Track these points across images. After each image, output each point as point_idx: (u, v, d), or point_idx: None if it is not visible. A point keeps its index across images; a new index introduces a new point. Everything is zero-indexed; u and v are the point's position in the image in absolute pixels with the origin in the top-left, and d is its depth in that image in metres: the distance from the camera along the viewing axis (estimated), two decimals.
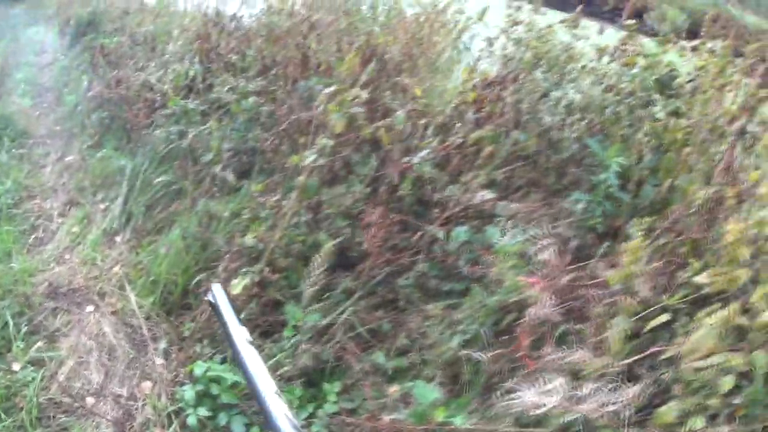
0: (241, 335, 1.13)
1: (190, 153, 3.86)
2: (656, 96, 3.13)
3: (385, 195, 2.72)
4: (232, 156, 3.72)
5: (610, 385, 1.40)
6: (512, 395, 1.86)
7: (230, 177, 3.04)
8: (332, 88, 2.44)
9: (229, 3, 7.36)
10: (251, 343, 1.13)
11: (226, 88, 3.76)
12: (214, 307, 1.19)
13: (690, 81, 3.17)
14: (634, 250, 1.31)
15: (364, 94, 2.43)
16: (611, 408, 1.59)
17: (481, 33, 5.91)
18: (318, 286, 2.63)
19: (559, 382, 1.28)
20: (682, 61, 3.48)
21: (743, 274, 1.87)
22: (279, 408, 0.98)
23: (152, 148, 4.56)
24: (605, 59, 3.60)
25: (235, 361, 0.99)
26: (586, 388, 1.32)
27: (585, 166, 3.01)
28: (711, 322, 1.32)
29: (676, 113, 3.03)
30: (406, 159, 2.73)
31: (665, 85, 3.12)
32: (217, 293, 1.19)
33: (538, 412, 1.72)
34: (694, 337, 1.35)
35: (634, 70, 3.23)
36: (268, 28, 4.41)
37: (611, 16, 24.84)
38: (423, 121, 3.15)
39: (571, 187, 2.95)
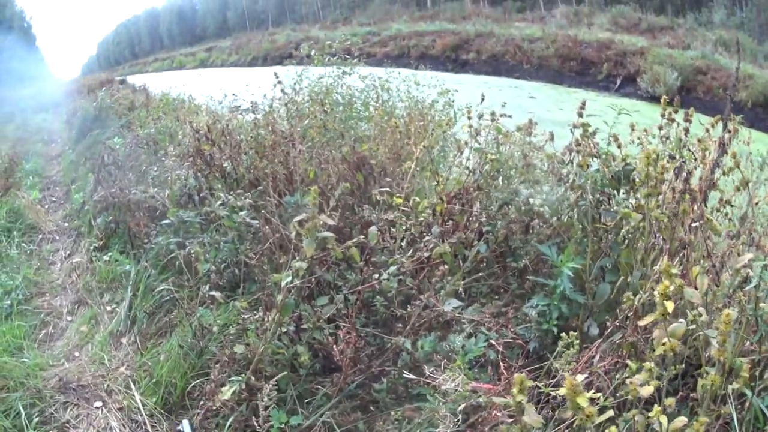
0: None
1: (188, 264, 4.18)
2: (614, 192, 3.24)
3: (357, 309, 3.05)
4: (224, 268, 4.07)
5: None
6: None
7: (218, 296, 3.37)
8: (301, 216, 2.78)
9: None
10: None
11: (218, 203, 4.10)
12: None
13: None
14: (520, 381, 1.59)
15: (331, 221, 2.77)
16: None
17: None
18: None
19: None
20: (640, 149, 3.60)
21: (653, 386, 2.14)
22: None
23: (154, 255, 4.92)
24: (566, 157, 3.68)
25: None
26: None
27: (546, 269, 3.27)
28: None
29: (629, 208, 3.11)
30: (375, 276, 3.08)
31: (621, 180, 3.21)
32: (185, 427, 1.73)
33: None
34: None
35: (590, 170, 3.29)
36: (256, 142, 4.79)
37: (606, 84, 25.20)
38: (399, 231, 3.48)
39: (535, 291, 3.16)
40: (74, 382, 4.10)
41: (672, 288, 2.13)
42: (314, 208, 2.75)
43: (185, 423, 1.59)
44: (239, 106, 6.80)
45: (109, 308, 5.14)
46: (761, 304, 2.52)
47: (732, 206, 3.50)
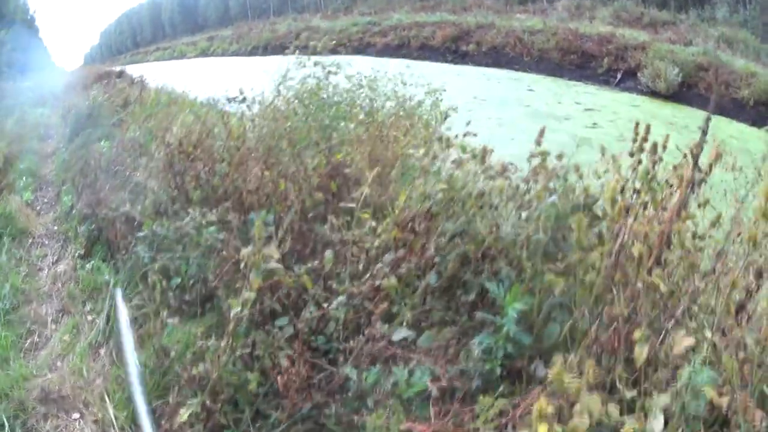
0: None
1: (159, 279, 4.24)
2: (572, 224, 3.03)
3: (305, 337, 3.12)
4: (192, 284, 4.14)
5: None
6: None
7: (174, 321, 3.44)
8: (249, 249, 2.85)
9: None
10: None
11: (186, 219, 4.16)
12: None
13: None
14: None
15: (276, 253, 2.84)
16: None
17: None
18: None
19: None
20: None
21: None
22: None
23: (131, 267, 5.00)
24: (523, 186, 3.55)
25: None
26: None
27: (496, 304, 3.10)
28: None
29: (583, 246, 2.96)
30: (325, 304, 3.15)
31: (582, 212, 3.07)
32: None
33: None
34: None
35: (548, 200, 3.16)
36: (228, 153, 4.84)
37: (606, 78, 25.12)
38: (357, 254, 3.53)
39: (485, 325, 3.05)
40: (55, 392, 4.16)
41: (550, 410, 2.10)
42: (260, 241, 2.82)
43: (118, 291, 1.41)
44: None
45: (90, 318, 5.18)
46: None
47: (701, 239, 3.21)
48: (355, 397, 2.94)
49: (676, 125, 16.03)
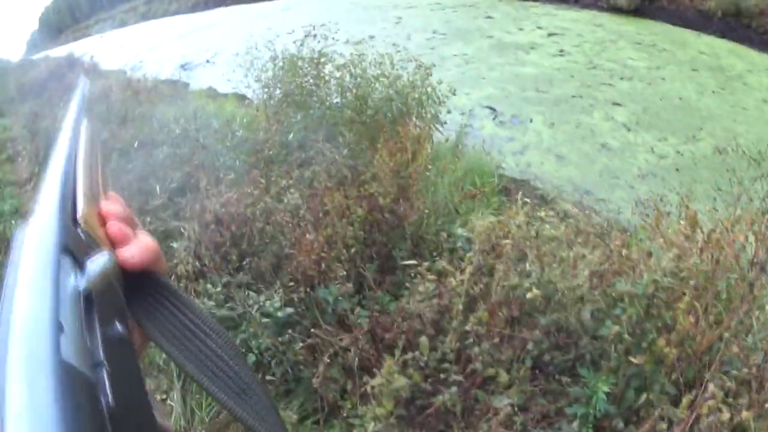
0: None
1: None
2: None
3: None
4: (276, 364, 4.11)
5: None
6: None
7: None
8: (377, 380, 2.93)
9: None
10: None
11: (254, 309, 4.14)
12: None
13: None
14: None
15: (403, 382, 2.94)
16: None
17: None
18: None
19: None
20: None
21: None
22: None
23: None
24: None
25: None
26: None
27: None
28: None
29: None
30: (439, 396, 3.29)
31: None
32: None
33: None
34: None
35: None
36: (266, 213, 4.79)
37: None
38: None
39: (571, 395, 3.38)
40: None
41: None
42: (389, 372, 2.90)
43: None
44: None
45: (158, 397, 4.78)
46: None
47: None
48: None
49: (643, 44, 15.65)
